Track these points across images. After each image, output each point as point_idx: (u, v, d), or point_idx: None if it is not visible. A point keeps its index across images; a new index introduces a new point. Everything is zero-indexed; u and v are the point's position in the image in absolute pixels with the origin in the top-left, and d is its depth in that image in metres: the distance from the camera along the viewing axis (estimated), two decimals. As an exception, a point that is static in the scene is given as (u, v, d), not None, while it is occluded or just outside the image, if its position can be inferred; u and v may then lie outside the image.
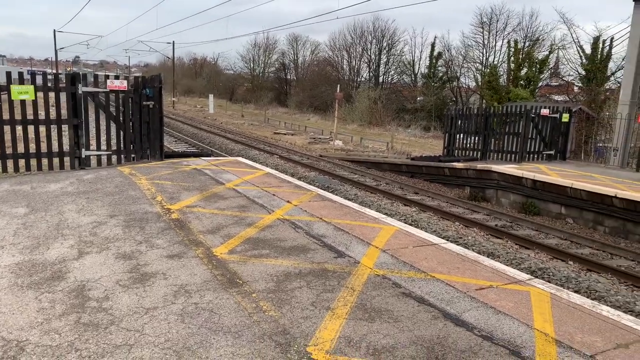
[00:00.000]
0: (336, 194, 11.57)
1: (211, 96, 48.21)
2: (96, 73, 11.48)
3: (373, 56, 52.59)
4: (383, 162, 18.28)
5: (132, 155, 9.81)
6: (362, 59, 53.36)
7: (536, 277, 6.79)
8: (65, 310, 3.49)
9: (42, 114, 8.82)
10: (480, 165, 14.17)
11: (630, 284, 7.66)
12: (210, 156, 11.76)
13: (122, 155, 9.71)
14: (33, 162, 8.91)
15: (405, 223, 8.75)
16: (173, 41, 53.31)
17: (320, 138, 27.85)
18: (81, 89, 8.90)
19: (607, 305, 6.25)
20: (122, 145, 9.67)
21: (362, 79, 53.11)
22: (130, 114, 9.55)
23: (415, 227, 8.76)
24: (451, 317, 3.54)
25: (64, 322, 3.30)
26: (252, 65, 66.79)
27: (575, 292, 6.75)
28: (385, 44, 51.94)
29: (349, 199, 11.54)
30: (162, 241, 5.06)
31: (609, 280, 7.78)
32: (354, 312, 3.56)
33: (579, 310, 3.78)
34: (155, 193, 7.15)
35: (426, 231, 8.63)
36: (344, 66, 54.89)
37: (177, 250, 4.80)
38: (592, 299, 5.87)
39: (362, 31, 52.68)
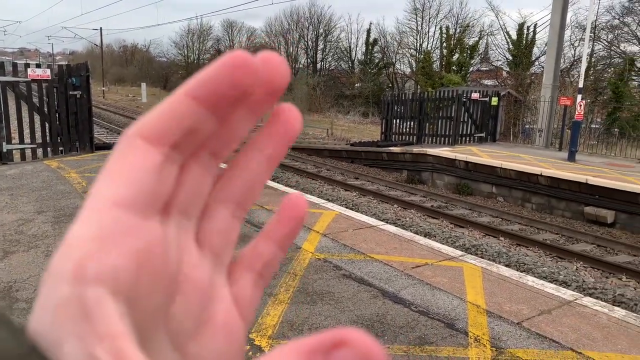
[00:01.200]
0: (277, 182, 11.54)
1: (144, 85, 46.40)
2: (15, 61, 10.79)
3: (310, 42, 52.55)
4: (323, 149, 18.40)
5: (60, 148, 9.31)
6: (299, 45, 53.19)
7: (470, 253, 7.13)
8: (-9, 313, 3.29)
9: (-45, 106, 8.18)
10: (416, 149, 14.60)
11: (555, 255, 8.21)
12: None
13: (48, 149, 9.19)
14: (-53, 158, 8.27)
15: (346, 207, 8.89)
16: (100, 27, 50.63)
17: (260, 126, 27.57)
18: (-1, 78, 8.30)
19: (534, 276, 6.68)
20: (48, 138, 9.15)
21: (300, 66, 52.95)
22: (56, 105, 9.04)
23: (356, 211, 8.93)
24: (390, 296, 3.66)
25: (-11, 326, 3.12)
26: (186, 52, 64.82)
27: (506, 266, 7.16)
28: (322, 30, 51.98)
29: (290, 186, 11.56)
30: (96, 236, 4.86)
31: (536, 253, 8.30)
32: (296, 296, 3.60)
33: (507, 282, 4.02)
34: (87, 187, 6.84)
35: (366, 214, 8.81)
36: (282, 52, 54.47)
37: (112, 245, 4.63)
38: (521, 272, 6.24)
39: (298, 17, 52.42)
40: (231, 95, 0.22)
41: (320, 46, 52.66)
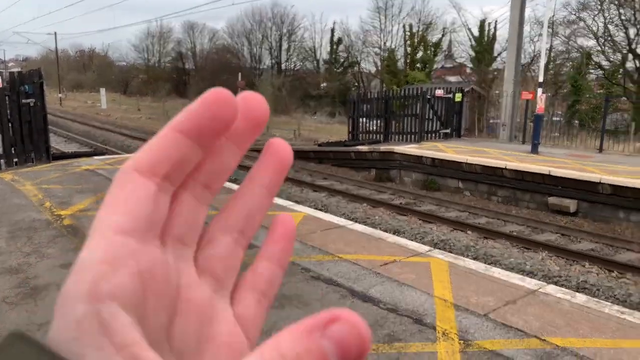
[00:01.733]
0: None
1: (102, 90, 45.03)
2: (-35, 70, 10.34)
3: (274, 43, 52.26)
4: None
5: (15, 160, 8.95)
6: (263, 46, 52.83)
7: (438, 248, 7.19)
8: (-62, 336, 3.10)
9: None
10: (383, 147, 14.68)
11: (522, 246, 8.37)
12: (104, 155, 11.08)
13: (1, 161, 8.83)
14: None
15: (315, 208, 8.86)
16: (55, 32, 49.13)
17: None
18: (-54, 88, 7.93)
19: (502, 267, 6.79)
20: (1, 150, 8.79)
21: (265, 67, 52.59)
22: (8, 114, 8.69)
23: (325, 211, 8.90)
24: (358, 295, 3.63)
25: (-64, 350, 2.93)
26: (146, 55, 63.45)
27: (474, 259, 7.25)
28: (285, 30, 51.76)
29: (258, 189, 11.45)
30: (54, 250, 4.68)
31: (503, 245, 8.44)
32: (263, 301, 3.54)
33: (474, 275, 4.05)
34: (43, 199, 6.59)
35: (335, 215, 8.79)
36: (245, 54, 53.99)
37: (72, 259, 4.43)
38: (489, 264, 6.33)
39: (261, 17, 52.07)
40: (213, 127, 0.24)
41: (285, 46, 52.41)
